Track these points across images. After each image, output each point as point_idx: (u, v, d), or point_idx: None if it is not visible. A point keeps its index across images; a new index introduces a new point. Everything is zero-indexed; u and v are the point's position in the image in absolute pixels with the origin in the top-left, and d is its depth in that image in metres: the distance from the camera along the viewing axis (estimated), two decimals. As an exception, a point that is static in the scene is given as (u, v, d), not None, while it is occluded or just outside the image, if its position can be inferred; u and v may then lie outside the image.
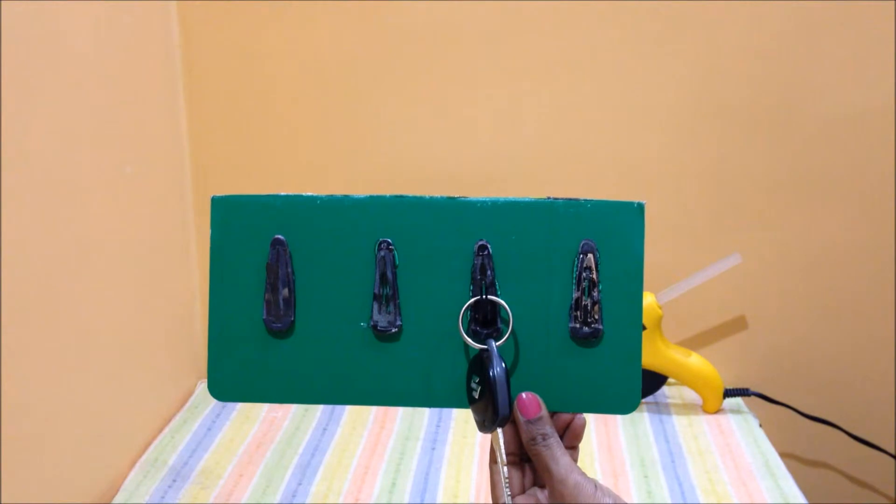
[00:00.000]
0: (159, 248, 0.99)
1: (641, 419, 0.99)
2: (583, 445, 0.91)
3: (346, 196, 0.50)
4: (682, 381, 1.00)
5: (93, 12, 0.82)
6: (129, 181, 0.90)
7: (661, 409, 1.02)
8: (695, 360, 1.00)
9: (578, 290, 0.50)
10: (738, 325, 1.09)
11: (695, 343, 1.10)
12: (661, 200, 1.05)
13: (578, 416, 0.51)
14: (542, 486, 0.50)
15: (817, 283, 1.06)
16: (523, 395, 0.49)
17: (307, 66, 1.03)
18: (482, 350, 0.49)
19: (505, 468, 0.49)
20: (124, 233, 0.89)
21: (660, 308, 0.97)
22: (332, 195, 0.50)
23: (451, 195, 0.51)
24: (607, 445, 0.93)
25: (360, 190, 1.10)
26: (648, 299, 0.97)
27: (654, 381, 1.01)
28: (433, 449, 0.92)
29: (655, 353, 0.98)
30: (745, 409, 1.03)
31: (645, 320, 0.96)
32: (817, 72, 0.99)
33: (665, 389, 1.07)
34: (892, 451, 1.07)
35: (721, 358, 1.09)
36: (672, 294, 0.99)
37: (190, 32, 1.02)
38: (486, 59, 1.02)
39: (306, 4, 1.01)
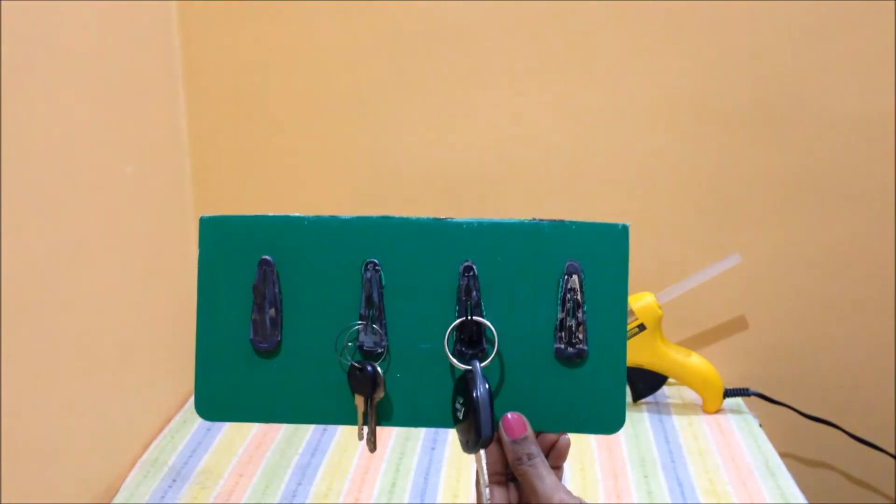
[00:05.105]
0: (159, 247, 0.99)
1: (641, 419, 0.99)
2: (583, 445, 0.92)
3: (333, 217, 0.51)
4: (682, 381, 1.00)
5: (93, 12, 0.82)
6: (129, 181, 0.90)
7: (661, 409, 1.02)
8: (695, 360, 1.00)
9: (563, 311, 0.50)
10: (738, 325, 1.09)
11: (695, 343, 1.10)
12: (661, 201, 1.05)
13: (563, 436, 0.51)
14: None
15: (817, 283, 1.06)
16: (508, 415, 0.49)
17: (307, 65, 1.03)
18: (467, 371, 0.49)
19: (487, 489, 0.50)
20: (124, 233, 0.89)
21: (660, 308, 0.97)
22: (318, 215, 0.51)
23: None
24: (607, 445, 0.93)
25: (359, 188, 1.11)
26: (648, 299, 0.97)
27: (654, 381, 1.01)
28: (433, 449, 0.92)
29: (655, 353, 0.98)
30: (745, 409, 1.03)
31: (645, 320, 0.96)
32: (817, 73, 0.99)
33: (665, 389, 1.07)
34: (892, 451, 1.07)
35: (721, 358, 1.09)
36: (672, 294, 0.99)
37: (190, 32, 1.02)
38: (486, 60, 1.01)
39: (306, 4, 1.01)
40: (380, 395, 0.50)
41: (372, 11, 1.01)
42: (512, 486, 0.51)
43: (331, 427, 0.97)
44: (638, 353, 0.98)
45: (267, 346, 0.51)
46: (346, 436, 0.95)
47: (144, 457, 0.90)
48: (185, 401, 1.04)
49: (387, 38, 1.02)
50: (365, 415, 0.50)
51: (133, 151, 0.91)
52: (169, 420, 0.99)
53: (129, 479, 0.86)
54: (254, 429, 0.96)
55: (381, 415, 0.51)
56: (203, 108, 1.05)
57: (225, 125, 1.06)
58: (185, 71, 1.03)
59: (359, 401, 0.50)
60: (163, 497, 0.82)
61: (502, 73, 1.02)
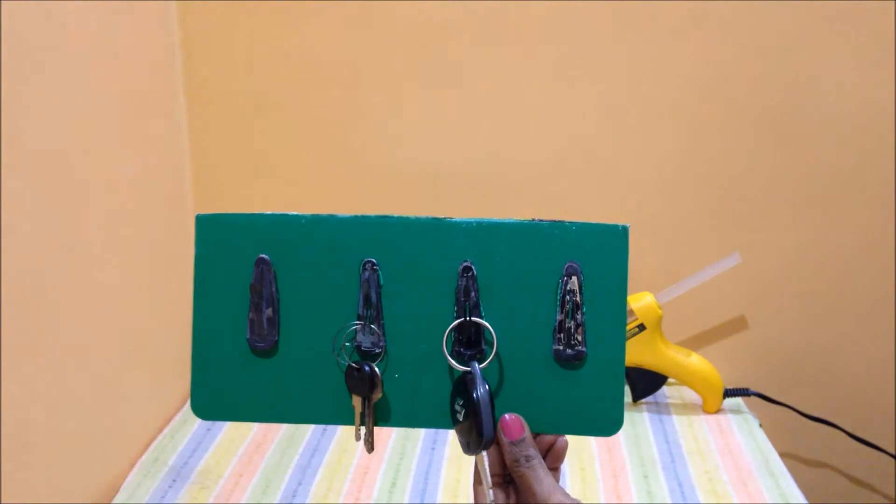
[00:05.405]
0: (159, 247, 0.99)
1: (641, 419, 0.99)
2: (583, 445, 0.92)
3: (331, 215, 0.50)
4: (682, 381, 1.00)
5: (93, 12, 0.82)
6: (129, 181, 0.90)
7: (661, 409, 1.02)
8: (695, 360, 1.00)
9: (562, 313, 0.50)
10: (738, 325, 1.09)
11: (695, 343, 1.10)
12: (661, 200, 1.05)
13: (561, 437, 0.51)
14: None
15: (817, 283, 1.06)
16: (507, 416, 0.49)
17: (307, 65, 1.03)
18: (466, 372, 0.49)
19: (490, 491, 0.49)
20: (124, 233, 0.89)
21: (660, 308, 0.97)
22: (316, 214, 0.51)
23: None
24: (607, 445, 0.93)
25: (359, 189, 1.11)
26: (648, 299, 0.97)
27: (654, 381, 1.01)
28: (433, 449, 0.92)
29: (655, 353, 0.98)
30: (745, 409, 1.03)
31: (645, 320, 0.96)
32: (818, 73, 0.99)
33: (665, 389, 1.07)
34: (892, 451, 1.07)
35: (721, 358, 1.09)
36: (672, 294, 0.99)
37: (190, 32, 1.02)
38: (487, 60, 1.01)
39: (306, 5, 1.01)
40: (377, 395, 0.50)
41: (372, 11, 1.01)
42: (510, 487, 0.51)
43: (331, 427, 0.97)
44: (638, 353, 0.98)
45: (264, 346, 0.51)
46: (346, 436, 0.95)
47: (144, 457, 0.90)
48: (185, 401, 1.04)
49: (386, 37, 1.02)
50: (362, 415, 0.50)
51: (133, 151, 0.91)
52: (169, 420, 0.99)
53: (129, 479, 0.86)
54: (254, 429, 0.96)
55: (378, 415, 0.51)
56: (203, 108, 1.05)
57: (225, 125, 1.06)
58: (185, 71, 1.03)
59: (356, 401, 0.50)
60: (163, 497, 0.82)
61: (503, 73, 1.02)
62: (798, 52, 0.98)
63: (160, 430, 0.96)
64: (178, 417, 0.99)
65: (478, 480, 0.51)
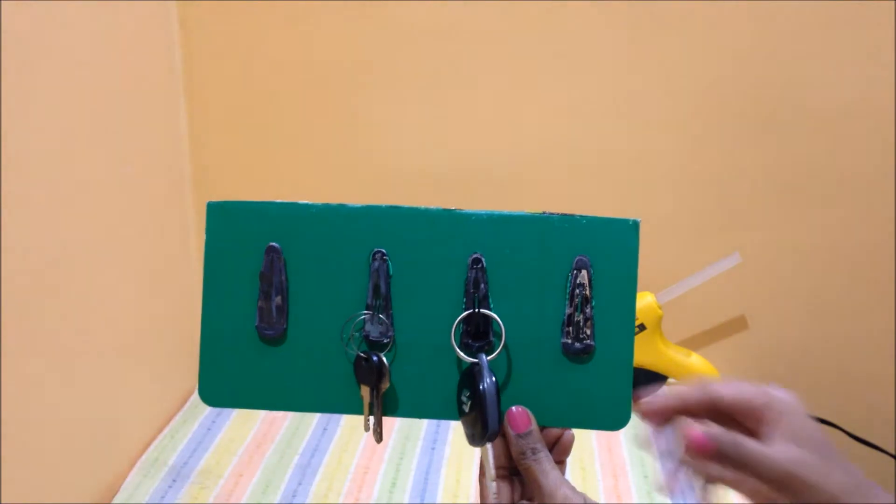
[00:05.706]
0: (159, 247, 0.99)
1: (641, 419, 0.99)
2: (583, 445, 0.91)
3: (341, 205, 0.50)
4: (682, 382, 1.00)
5: (93, 12, 0.82)
6: (129, 181, 0.90)
7: (662, 409, 1.02)
8: (695, 360, 1.00)
9: (571, 306, 0.50)
10: (738, 325, 1.09)
11: (695, 343, 1.10)
12: (661, 200, 1.05)
13: (567, 431, 0.51)
14: (530, 500, 0.50)
15: (817, 283, 1.06)
16: (513, 409, 0.49)
17: (307, 65, 1.03)
18: (473, 363, 0.49)
19: (493, 483, 0.49)
20: (124, 233, 0.89)
21: (660, 308, 0.97)
22: (327, 203, 0.50)
23: (448, 206, 0.51)
24: (607, 445, 0.93)
25: (359, 189, 1.10)
26: (648, 299, 0.97)
27: (654, 381, 1.01)
28: (433, 449, 0.92)
29: (655, 353, 0.98)
30: (745, 409, 1.02)
31: (645, 320, 0.96)
32: (817, 71, 0.99)
33: (665, 389, 1.07)
34: (892, 451, 1.07)
35: (721, 358, 1.09)
36: (672, 294, 0.99)
37: (190, 32, 1.02)
38: (488, 60, 1.02)
39: (306, 5, 1.01)
40: (385, 385, 0.50)
41: (372, 11, 1.01)
42: (515, 479, 0.51)
43: (331, 427, 0.97)
44: (638, 353, 0.97)
45: (272, 334, 0.50)
46: (346, 436, 0.95)
47: (144, 457, 0.90)
48: (186, 400, 1.04)
49: (388, 36, 1.02)
50: (371, 405, 0.50)
51: (133, 151, 0.91)
52: (169, 419, 0.99)
53: (129, 479, 0.86)
54: (254, 429, 0.96)
55: (386, 405, 0.51)
56: (203, 108, 1.05)
57: (225, 125, 1.06)
58: (185, 71, 1.03)
59: (364, 391, 0.50)
60: (163, 497, 0.82)
61: (504, 72, 1.02)
62: (799, 52, 0.98)
63: (160, 430, 0.96)
64: (178, 417, 0.99)
65: (483, 472, 0.51)
